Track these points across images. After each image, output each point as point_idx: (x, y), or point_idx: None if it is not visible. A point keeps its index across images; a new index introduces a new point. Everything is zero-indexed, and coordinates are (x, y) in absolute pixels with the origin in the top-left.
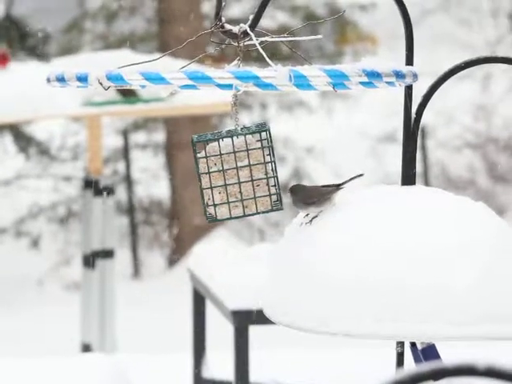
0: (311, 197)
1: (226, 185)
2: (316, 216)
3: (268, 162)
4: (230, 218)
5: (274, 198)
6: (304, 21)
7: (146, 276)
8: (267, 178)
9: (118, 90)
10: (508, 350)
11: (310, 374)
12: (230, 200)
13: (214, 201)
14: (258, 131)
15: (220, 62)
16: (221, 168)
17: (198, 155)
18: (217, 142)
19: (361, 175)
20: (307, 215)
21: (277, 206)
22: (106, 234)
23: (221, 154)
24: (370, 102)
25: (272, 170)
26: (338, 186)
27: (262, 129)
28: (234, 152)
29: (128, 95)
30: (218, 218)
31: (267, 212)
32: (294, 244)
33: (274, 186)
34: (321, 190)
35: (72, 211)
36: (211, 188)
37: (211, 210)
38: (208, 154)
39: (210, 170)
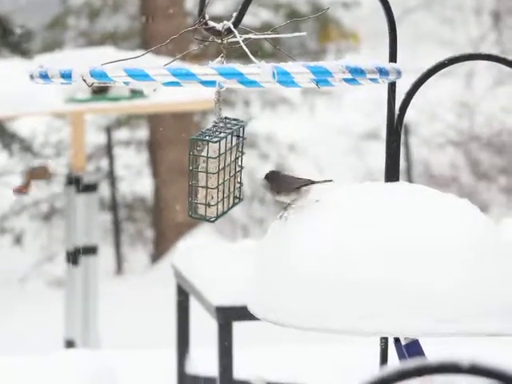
0: (281, 185)
1: (224, 182)
2: (287, 211)
3: (241, 155)
4: (224, 213)
5: (239, 189)
6: (287, 18)
7: (129, 272)
8: (241, 171)
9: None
10: (493, 347)
11: (293, 370)
12: (224, 196)
13: (217, 199)
14: (240, 126)
15: (201, 59)
16: (223, 166)
17: (210, 155)
18: (224, 140)
19: (330, 181)
20: (284, 210)
21: (240, 197)
22: (89, 230)
23: (226, 152)
24: (352, 99)
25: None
26: (309, 182)
27: (241, 123)
28: (231, 148)
29: (99, 93)
30: (219, 215)
31: (236, 204)
32: (277, 241)
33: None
34: (292, 181)
35: (55, 208)
36: (218, 187)
37: (213, 209)
38: (216, 154)
39: (214, 170)
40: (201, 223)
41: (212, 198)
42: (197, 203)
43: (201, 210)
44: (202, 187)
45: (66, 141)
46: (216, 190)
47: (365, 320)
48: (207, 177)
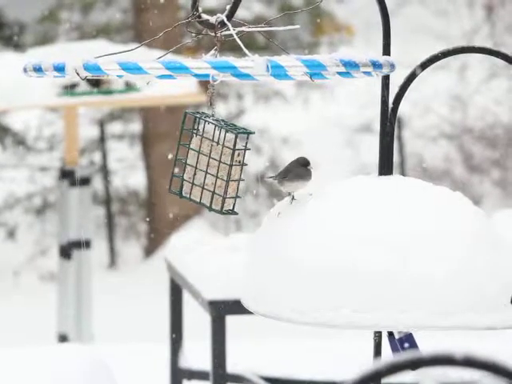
0: (286, 172)
1: (240, 179)
2: (280, 206)
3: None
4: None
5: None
6: (280, 11)
7: (123, 266)
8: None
9: (89, 80)
10: (486, 339)
11: (287, 364)
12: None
13: (237, 193)
14: (244, 132)
15: (195, 52)
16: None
17: (242, 146)
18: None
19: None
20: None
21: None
22: (82, 224)
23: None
24: (346, 92)
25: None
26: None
27: (246, 131)
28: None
29: (99, 86)
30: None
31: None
32: (270, 234)
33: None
34: (291, 167)
35: (48, 202)
36: (239, 180)
37: (234, 201)
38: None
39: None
40: (194, 216)
41: (238, 190)
42: (229, 197)
43: (226, 205)
44: (235, 181)
45: (59, 134)
46: (238, 183)
47: (360, 314)
48: (241, 170)
